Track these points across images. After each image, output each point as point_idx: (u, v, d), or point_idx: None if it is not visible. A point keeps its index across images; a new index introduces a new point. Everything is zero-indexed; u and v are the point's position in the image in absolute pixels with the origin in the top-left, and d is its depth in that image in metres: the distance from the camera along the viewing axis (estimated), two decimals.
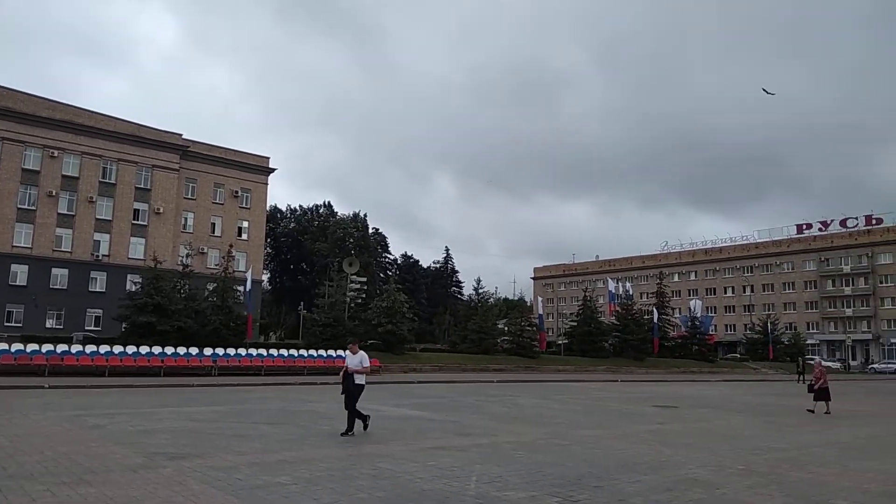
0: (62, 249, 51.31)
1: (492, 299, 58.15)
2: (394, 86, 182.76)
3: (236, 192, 60.61)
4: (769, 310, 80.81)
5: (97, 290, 51.60)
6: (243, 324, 34.60)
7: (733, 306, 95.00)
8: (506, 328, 48.99)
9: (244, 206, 61.34)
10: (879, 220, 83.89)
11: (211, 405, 16.87)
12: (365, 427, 11.70)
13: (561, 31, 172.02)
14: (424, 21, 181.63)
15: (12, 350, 25.74)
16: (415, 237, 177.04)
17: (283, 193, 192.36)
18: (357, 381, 11.62)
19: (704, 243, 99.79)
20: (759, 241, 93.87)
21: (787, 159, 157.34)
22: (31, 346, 26.36)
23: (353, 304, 40.91)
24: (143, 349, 28.64)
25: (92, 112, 54.08)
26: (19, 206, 49.97)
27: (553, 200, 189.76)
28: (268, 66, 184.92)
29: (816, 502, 7.30)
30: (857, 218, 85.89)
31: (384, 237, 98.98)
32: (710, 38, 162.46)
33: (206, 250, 56.34)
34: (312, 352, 33.71)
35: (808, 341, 79.53)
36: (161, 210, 55.56)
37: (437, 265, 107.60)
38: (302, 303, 59.96)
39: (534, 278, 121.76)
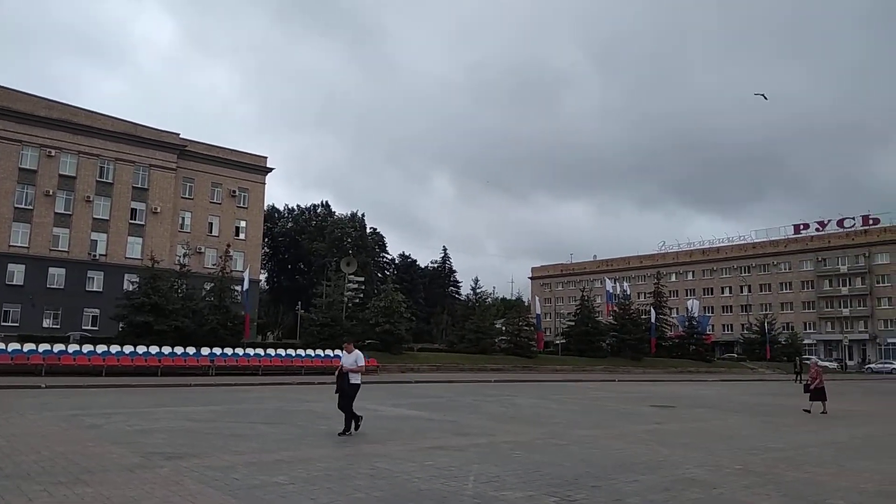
0: (59, 249, 51.21)
1: (489, 299, 58.24)
2: (392, 85, 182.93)
3: (234, 191, 60.54)
4: (766, 310, 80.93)
5: (94, 289, 51.50)
6: (241, 323, 34.57)
7: (730, 306, 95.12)
8: (503, 328, 48.99)
9: (242, 205, 61.28)
10: (877, 221, 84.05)
11: (208, 405, 16.85)
12: (356, 427, 11.64)
13: (560, 31, 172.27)
14: (424, 21, 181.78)
15: (9, 350, 25.68)
16: (413, 237, 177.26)
17: (280, 193, 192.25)
18: (352, 381, 11.58)
19: (702, 243, 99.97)
20: (756, 241, 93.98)
21: (785, 159, 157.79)
22: (28, 346, 26.31)
23: (350, 304, 40.89)
24: (141, 349, 28.60)
25: (89, 111, 54.00)
26: (16, 205, 49.85)
27: (551, 200, 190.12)
28: (266, 66, 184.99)
29: (813, 502, 7.32)
30: (854, 218, 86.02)
31: (382, 237, 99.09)
32: (709, 39, 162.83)
33: (203, 250, 56.27)
34: (310, 351, 33.70)
35: (805, 341, 79.71)
36: (158, 209, 55.48)
37: (435, 265, 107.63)
38: (299, 302, 59.92)
39: (531, 278, 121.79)
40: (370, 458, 9.27)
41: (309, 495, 6.88)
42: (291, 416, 14.67)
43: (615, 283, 59.96)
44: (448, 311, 76.78)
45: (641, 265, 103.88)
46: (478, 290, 53.75)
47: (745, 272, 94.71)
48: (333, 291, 39.77)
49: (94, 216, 52.97)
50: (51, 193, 51.03)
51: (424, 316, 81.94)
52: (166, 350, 29.08)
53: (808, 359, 54.04)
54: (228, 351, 30.98)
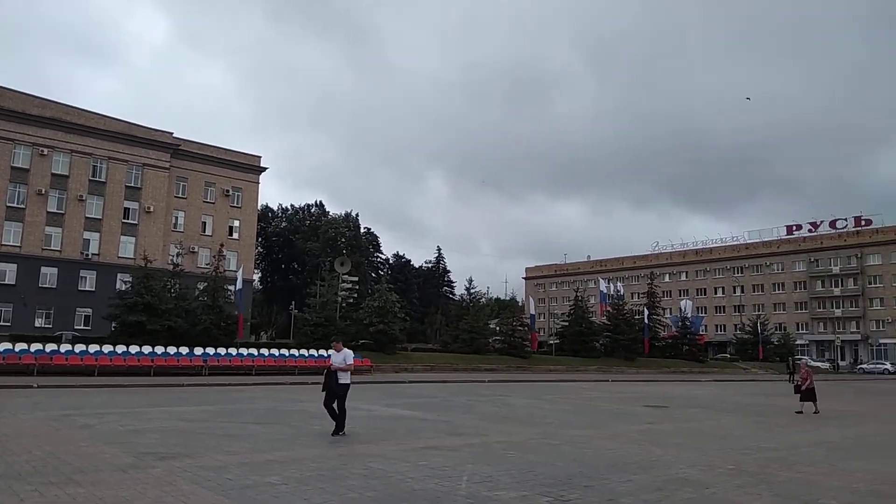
0: (51, 248, 50.94)
1: (483, 299, 58.46)
2: (386, 85, 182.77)
3: (227, 191, 60.36)
4: (759, 310, 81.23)
5: (87, 289, 51.26)
6: (234, 323, 34.50)
7: (723, 307, 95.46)
8: (497, 328, 49.07)
9: (235, 205, 61.09)
10: (869, 222, 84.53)
11: (201, 405, 16.81)
12: (336, 432, 11.42)
13: (554, 32, 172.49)
14: (418, 21, 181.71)
15: (1, 349, 25.58)
16: (407, 237, 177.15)
17: (274, 192, 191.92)
18: (341, 381, 11.53)
19: (695, 244, 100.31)
20: (749, 241, 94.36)
21: (777, 160, 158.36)
22: (20, 346, 26.21)
23: (344, 304, 40.86)
24: (133, 349, 28.52)
25: (82, 110, 53.75)
26: (8, 204, 49.56)
27: (545, 200, 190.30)
28: (260, 65, 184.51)
29: (805, 502, 7.35)
30: (846, 219, 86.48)
31: (376, 237, 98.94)
32: (702, 40, 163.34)
33: (196, 249, 56.11)
34: (303, 351, 33.69)
35: (798, 342, 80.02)
36: (151, 209, 55.26)
37: (429, 265, 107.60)
38: (293, 302, 59.82)
39: (525, 278, 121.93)
40: (363, 458, 9.26)
41: (302, 495, 6.87)
42: (285, 417, 14.65)
43: (609, 283, 60.15)
44: (442, 312, 76.78)
45: (635, 265, 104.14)
46: (472, 291, 54.09)
47: (737, 273, 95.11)
48: (327, 291, 39.74)
49: (87, 215, 52.71)
50: (43, 192, 50.76)
51: (418, 316, 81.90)
52: (159, 350, 29.01)
53: (800, 359, 54.31)
54: (222, 351, 30.92)
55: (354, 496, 6.92)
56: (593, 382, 34.77)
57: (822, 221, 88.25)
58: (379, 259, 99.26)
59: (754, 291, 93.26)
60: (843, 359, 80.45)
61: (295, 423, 13.52)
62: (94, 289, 50.70)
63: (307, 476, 7.86)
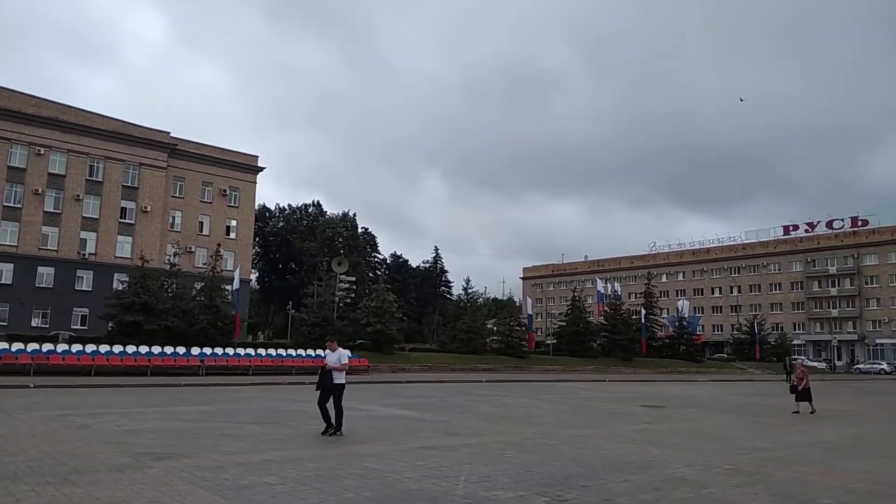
0: (48, 248, 50.83)
1: (481, 299, 58.44)
2: (384, 85, 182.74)
3: (224, 190, 60.29)
4: (756, 310, 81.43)
5: (83, 288, 51.16)
6: (231, 323, 34.45)
7: (720, 307, 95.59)
8: (495, 328, 49.05)
9: (232, 204, 61.02)
10: (865, 222, 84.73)
11: (198, 405, 16.78)
12: (325, 432, 11.41)
13: (553, 32, 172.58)
14: (416, 20, 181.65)
15: None
16: (404, 237, 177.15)
17: (271, 192, 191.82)
18: (336, 380, 11.51)
19: (692, 244, 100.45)
20: (746, 241, 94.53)
21: (775, 161, 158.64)
22: (17, 345, 26.11)
23: (341, 304, 40.84)
24: (130, 348, 28.45)
25: (79, 109, 53.63)
26: (5, 203, 49.45)
27: (543, 200, 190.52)
28: (258, 65, 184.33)
29: (802, 501, 7.36)
30: (843, 219, 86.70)
31: (373, 237, 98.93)
32: (701, 40, 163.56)
33: (193, 249, 56.01)
34: (301, 351, 33.63)
35: (795, 342, 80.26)
36: (148, 208, 55.17)
37: (427, 265, 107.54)
38: (290, 302, 59.77)
39: (523, 278, 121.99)
40: (360, 459, 9.25)
41: (299, 495, 6.86)
42: (282, 417, 14.64)
43: (606, 283, 60.11)
44: (439, 312, 76.73)
45: (632, 265, 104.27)
46: (469, 291, 53.92)
47: (734, 273, 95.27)
48: (324, 291, 39.70)
49: (84, 215, 52.61)
50: (40, 192, 50.66)
51: (416, 316, 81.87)
52: (156, 350, 28.94)
53: (796, 359, 54.38)
54: (219, 351, 30.86)
55: (351, 496, 6.92)
56: (590, 382, 34.79)
57: (818, 222, 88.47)
58: (376, 259, 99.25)
59: (751, 291, 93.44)
60: (839, 359, 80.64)
61: (292, 423, 13.51)
62: (90, 288, 50.61)
63: (304, 476, 7.86)
